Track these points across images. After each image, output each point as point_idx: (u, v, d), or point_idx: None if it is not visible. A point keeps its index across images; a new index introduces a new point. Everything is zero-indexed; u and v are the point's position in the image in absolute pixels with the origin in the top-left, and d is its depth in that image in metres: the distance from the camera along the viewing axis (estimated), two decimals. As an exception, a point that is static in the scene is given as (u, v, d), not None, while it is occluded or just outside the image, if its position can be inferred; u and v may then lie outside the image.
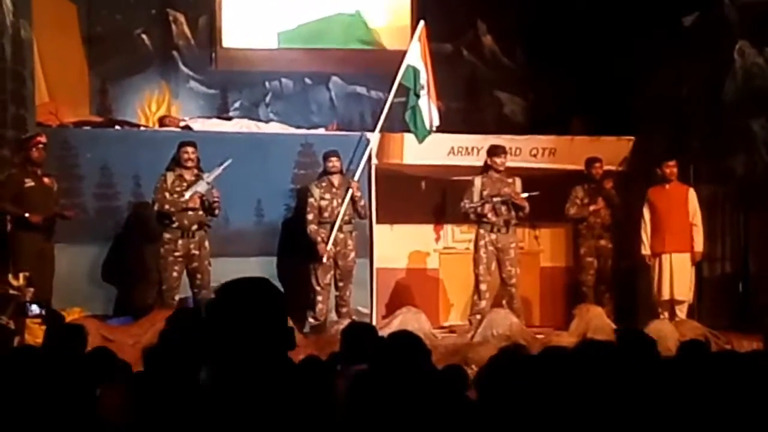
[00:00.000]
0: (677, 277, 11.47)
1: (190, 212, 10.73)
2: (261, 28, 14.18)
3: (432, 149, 12.17)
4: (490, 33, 14.44)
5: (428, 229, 13.03)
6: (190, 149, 10.83)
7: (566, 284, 12.69)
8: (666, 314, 11.36)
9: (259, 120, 13.43)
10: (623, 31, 13.15)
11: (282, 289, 10.40)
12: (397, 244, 12.77)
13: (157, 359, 4.95)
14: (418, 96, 11.55)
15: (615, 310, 11.64)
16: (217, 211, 10.84)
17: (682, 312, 11.37)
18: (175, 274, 10.66)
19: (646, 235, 11.59)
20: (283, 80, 14.28)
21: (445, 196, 12.82)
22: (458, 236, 12.89)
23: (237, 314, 3.25)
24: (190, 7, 14.09)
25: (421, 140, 11.71)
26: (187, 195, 10.70)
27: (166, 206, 10.70)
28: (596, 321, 10.66)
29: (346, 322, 10.55)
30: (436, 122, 11.70)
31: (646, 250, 11.58)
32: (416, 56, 11.63)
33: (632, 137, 12.56)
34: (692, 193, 11.61)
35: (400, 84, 11.57)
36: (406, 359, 4.69)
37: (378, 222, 12.10)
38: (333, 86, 14.40)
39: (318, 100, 14.37)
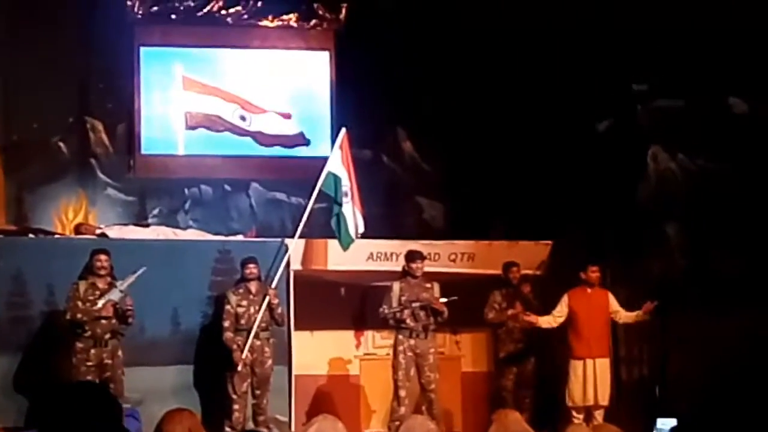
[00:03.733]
0: (599, 381, 11.48)
1: (103, 321, 10.55)
2: (180, 134, 14.16)
3: (352, 255, 12.14)
4: (409, 139, 14.54)
5: (349, 335, 12.93)
6: (102, 257, 10.72)
7: (488, 389, 12.61)
8: (581, 418, 11.35)
9: (178, 227, 13.34)
10: (540, 136, 13.32)
11: (199, 398, 10.17)
12: (318, 351, 12.64)
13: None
14: (340, 204, 11.57)
15: (534, 415, 11.59)
16: (130, 320, 10.68)
17: (599, 416, 11.37)
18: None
19: (543, 321, 11.58)
20: (203, 187, 14.23)
21: (364, 301, 12.75)
22: (379, 342, 12.80)
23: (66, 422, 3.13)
24: (108, 115, 14.04)
25: (345, 247, 11.71)
26: (100, 303, 10.54)
27: (79, 315, 10.53)
28: (514, 426, 10.50)
29: (264, 430, 10.45)
30: (361, 229, 11.72)
31: (537, 322, 11.57)
32: (337, 163, 11.68)
33: (549, 241, 12.63)
34: (611, 297, 11.68)
35: (320, 191, 11.60)
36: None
37: (298, 328, 11.99)
38: (253, 193, 14.38)
39: (238, 206, 14.33)
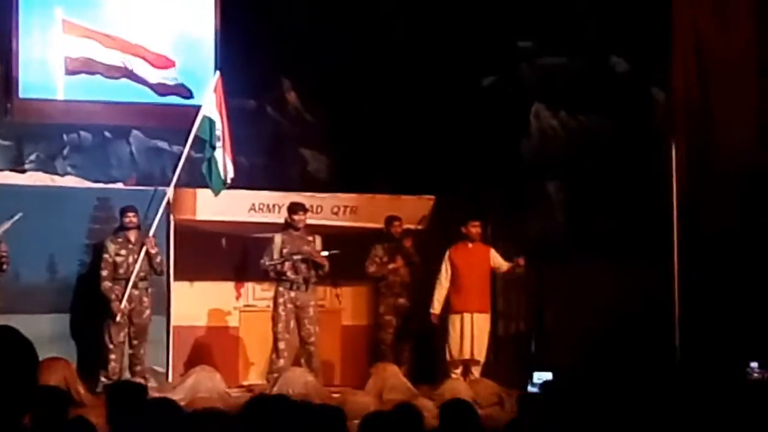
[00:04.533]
0: (477, 336, 11.59)
1: (-24, 267, 10.35)
2: (59, 79, 13.83)
3: (233, 206, 12.08)
4: (294, 89, 14.41)
5: (229, 286, 12.82)
6: (-24, 202, 10.48)
7: (367, 343, 12.64)
8: (458, 372, 11.47)
9: (56, 173, 13.08)
10: (425, 91, 13.34)
11: (76, 348, 9.97)
12: (197, 302, 12.51)
13: None
14: (213, 147, 11.46)
15: (412, 369, 11.68)
16: (5, 266, 10.50)
17: (476, 371, 11.50)
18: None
19: (438, 294, 11.68)
20: (82, 133, 13.92)
21: (246, 253, 12.66)
22: (259, 294, 12.72)
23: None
24: (-16, 57, 13.66)
25: (216, 193, 11.61)
26: (-27, 250, 10.32)
27: (-49, 261, 10.31)
28: (392, 380, 10.67)
29: (139, 380, 10.33)
30: (231, 174, 11.62)
31: (434, 309, 11.67)
32: (212, 107, 11.56)
33: (432, 196, 12.68)
34: (493, 253, 11.78)
35: (198, 137, 11.48)
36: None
37: (177, 279, 11.89)
38: (134, 140, 14.12)
39: (118, 154, 14.05)
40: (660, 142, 11.50)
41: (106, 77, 13.81)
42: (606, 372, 9.32)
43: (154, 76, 14.12)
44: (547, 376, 9.55)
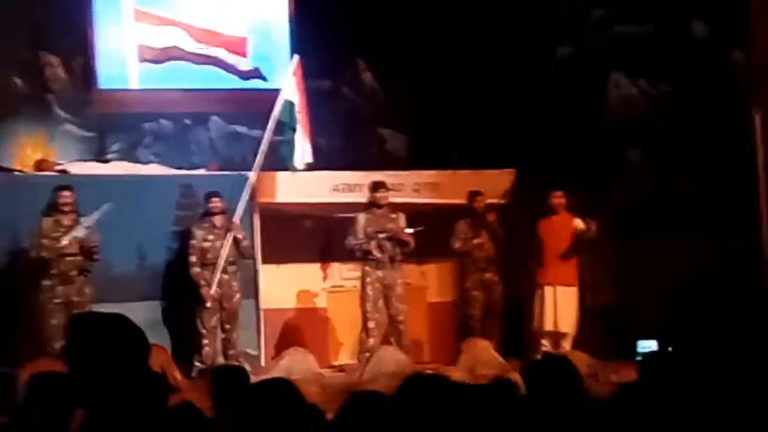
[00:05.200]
0: (562, 309, 11.55)
1: (69, 258, 10.49)
2: (137, 69, 13.96)
3: (315, 187, 12.15)
4: (369, 69, 14.42)
5: (315, 267, 12.88)
6: (66, 193, 10.61)
7: (454, 319, 12.65)
8: (548, 345, 11.45)
9: (138, 162, 13.22)
10: (501, 63, 13.28)
11: (168, 334, 10.08)
12: (285, 284, 12.59)
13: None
14: (294, 130, 11.51)
15: (503, 343, 11.66)
16: (96, 256, 10.60)
17: (567, 344, 11.46)
18: (54, 321, 10.34)
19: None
20: (162, 121, 14.07)
21: (330, 234, 12.71)
22: (345, 274, 12.76)
23: (91, 353, 3.06)
24: (64, 50, 13.77)
25: (293, 170, 11.63)
26: (65, 240, 10.46)
27: (44, 252, 10.45)
28: (484, 355, 10.67)
29: (234, 364, 10.43)
30: (309, 158, 11.66)
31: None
32: (292, 90, 11.61)
33: (513, 170, 12.63)
34: (579, 223, 11.69)
35: (279, 121, 11.53)
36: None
37: (264, 262, 11.97)
38: (213, 126, 14.24)
39: (198, 140, 14.18)
40: (743, 106, 11.35)
41: (182, 61, 13.91)
42: (704, 340, 9.25)
43: (231, 60, 14.21)
44: (651, 344, 9.52)
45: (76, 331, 3.16)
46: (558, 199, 11.66)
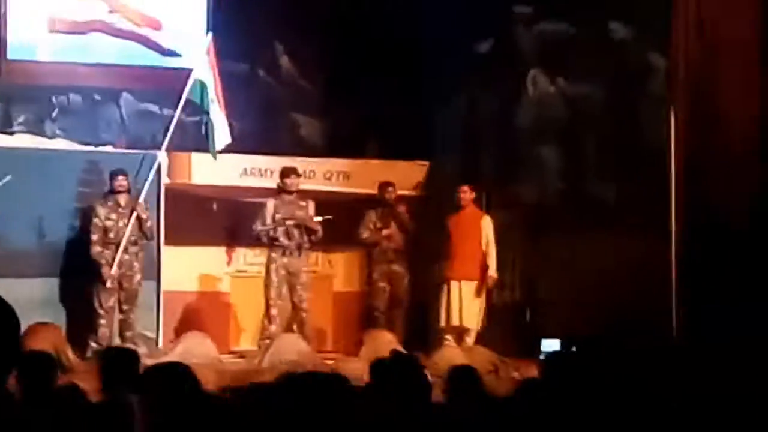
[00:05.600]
0: (466, 304, 11.48)
1: (-37, 230, 10.21)
2: (49, 40, 13.61)
3: (225, 170, 11.98)
4: (287, 54, 14.22)
5: (220, 251, 12.70)
6: (-36, 164, 10.31)
7: (360, 309, 12.53)
8: (452, 340, 11.37)
9: (45, 136, 12.89)
10: (419, 56, 13.17)
11: (65, 313, 9.78)
12: (188, 267, 12.37)
13: None
14: (206, 112, 11.29)
15: (406, 336, 11.57)
16: (-7, 230, 10.33)
17: (470, 339, 11.40)
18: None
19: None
20: (71, 95, 13.72)
21: (237, 218, 12.52)
22: (250, 259, 12.58)
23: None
24: (-27, 18, 13.41)
25: (214, 156, 11.45)
26: (-39, 212, 10.17)
27: (-62, 224, 10.15)
28: (386, 347, 10.49)
29: (130, 346, 10.20)
30: (228, 139, 11.45)
31: None
32: (204, 70, 11.38)
33: (427, 162, 12.54)
34: (486, 220, 11.64)
35: (190, 101, 11.31)
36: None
37: (167, 243, 11.75)
38: (124, 103, 13.92)
39: (108, 117, 13.84)
40: (659, 110, 11.34)
41: (94, 33, 13.58)
42: (607, 342, 9.23)
43: (147, 35, 13.91)
44: (554, 343, 9.49)
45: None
46: (464, 193, 11.58)
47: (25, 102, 13.54)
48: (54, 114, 13.62)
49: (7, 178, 10.31)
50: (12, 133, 12.78)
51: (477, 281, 11.55)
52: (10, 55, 13.52)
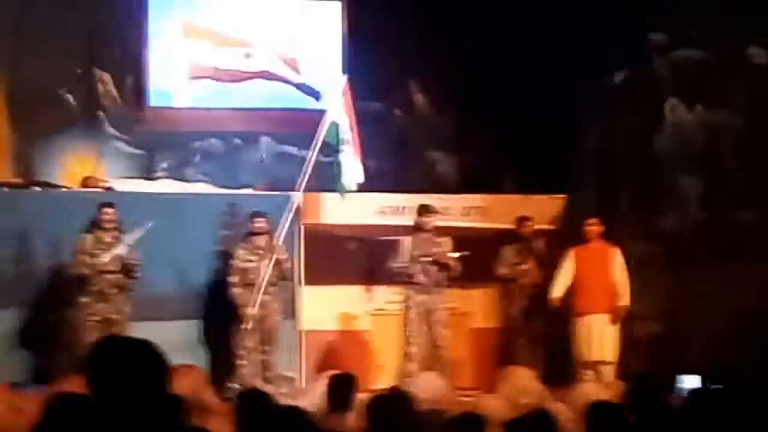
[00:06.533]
0: (599, 338, 11.30)
1: (109, 275, 10.47)
2: (190, 88, 13.96)
3: (361, 209, 12.07)
4: (421, 92, 14.30)
5: (358, 290, 12.75)
6: (109, 210, 10.59)
7: (498, 345, 12.43)
8: (590, 375, 11.19)
9: (186, 180, 13.19)
10: (554, 88, 13.08)
11: (206, 355, 9.95)
12: (327, 306, 12.44)
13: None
14: (338, 151, 11.38)
15: (545, 372, 11.43)
16: (136, 274, 10.57)
17: (609, 373, 11.19)
18: (91, 339, 10.30)
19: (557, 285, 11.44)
20: (212, 140, 14.04)
21: (375, 256, 12.56)
22: (389, 297, 12.58)
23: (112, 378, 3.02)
24: (117, 67, 13.82)
25: (342, 196, 11.52)
26: (106, 257, 10.43)
27: (84, 269, 10.42)
28: (525, 383, 10.42)
29: (270, 387, 10.31)
30: (360, 179, 11.51)
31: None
32: (339, 111, 11.49)
33: (563, 195, 12.43)
34: (616, 252, 11.44)
35: (326, 142, 11.42)
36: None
37: (307, 283, 11.87)
38: (263, 146, 14.19)
39: (248, 160, 14.15)
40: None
41: (233, 81, 13.88)
42: (753, 375, 8.94)
43: (286, 75, 14.16)
44: (693, 379, 9.26)
45: (98, 355, 3.13)
46: (590, 226, 11.41)
47: (167, 148, 13.93)
48: (195, 159, 13.96)
49: (150, 223, 10.50)
50: (155, 179, 13.11)
51: (608, 314, 11.36)
52: (152, 103, 13.91)
